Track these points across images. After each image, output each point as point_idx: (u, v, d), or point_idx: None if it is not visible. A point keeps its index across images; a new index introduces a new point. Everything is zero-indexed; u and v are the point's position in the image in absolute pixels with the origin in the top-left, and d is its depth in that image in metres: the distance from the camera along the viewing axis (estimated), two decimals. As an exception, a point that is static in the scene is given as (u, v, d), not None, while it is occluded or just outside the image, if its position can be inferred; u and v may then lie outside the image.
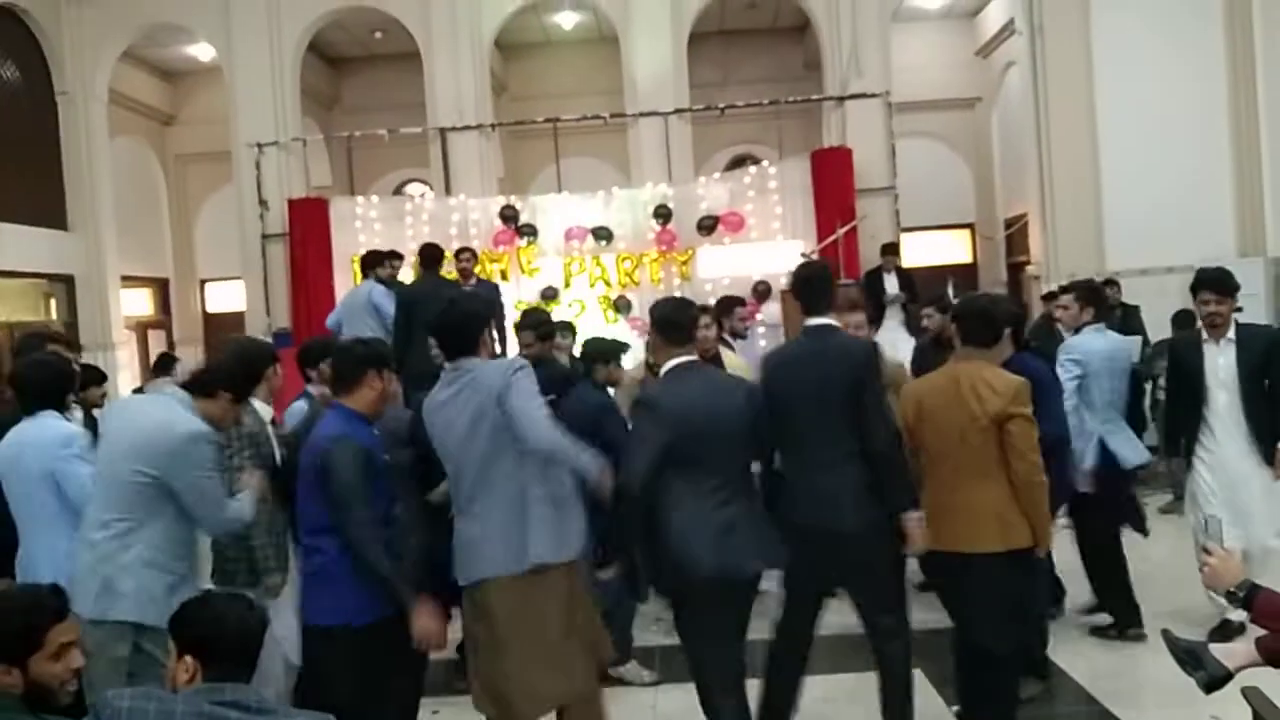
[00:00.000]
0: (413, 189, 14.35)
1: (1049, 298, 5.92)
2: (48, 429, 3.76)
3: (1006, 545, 3.66)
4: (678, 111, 11.01)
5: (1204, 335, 5.17)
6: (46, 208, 11.28)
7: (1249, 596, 2.63)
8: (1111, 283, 9.48)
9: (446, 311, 3.55)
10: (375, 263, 8.64)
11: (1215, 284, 5.02)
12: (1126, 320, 9.30)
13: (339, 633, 3.33)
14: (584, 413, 4.47)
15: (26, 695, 2.30)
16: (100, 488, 3.48)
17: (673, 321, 3.77)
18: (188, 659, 2.31)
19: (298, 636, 3.59)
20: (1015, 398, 3.66)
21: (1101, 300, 5.74)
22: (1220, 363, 5.06)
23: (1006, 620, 3.71)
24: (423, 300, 7.29)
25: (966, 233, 14.58)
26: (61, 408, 3.91)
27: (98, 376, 5.99)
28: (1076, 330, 5.48)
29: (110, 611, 3.32)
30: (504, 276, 10.21)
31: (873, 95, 10.52)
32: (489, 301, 3.60)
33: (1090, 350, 5.27)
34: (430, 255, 8.35)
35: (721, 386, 3.75)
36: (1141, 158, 10.12)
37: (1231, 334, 5.05)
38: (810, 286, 3.97)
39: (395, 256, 8.85)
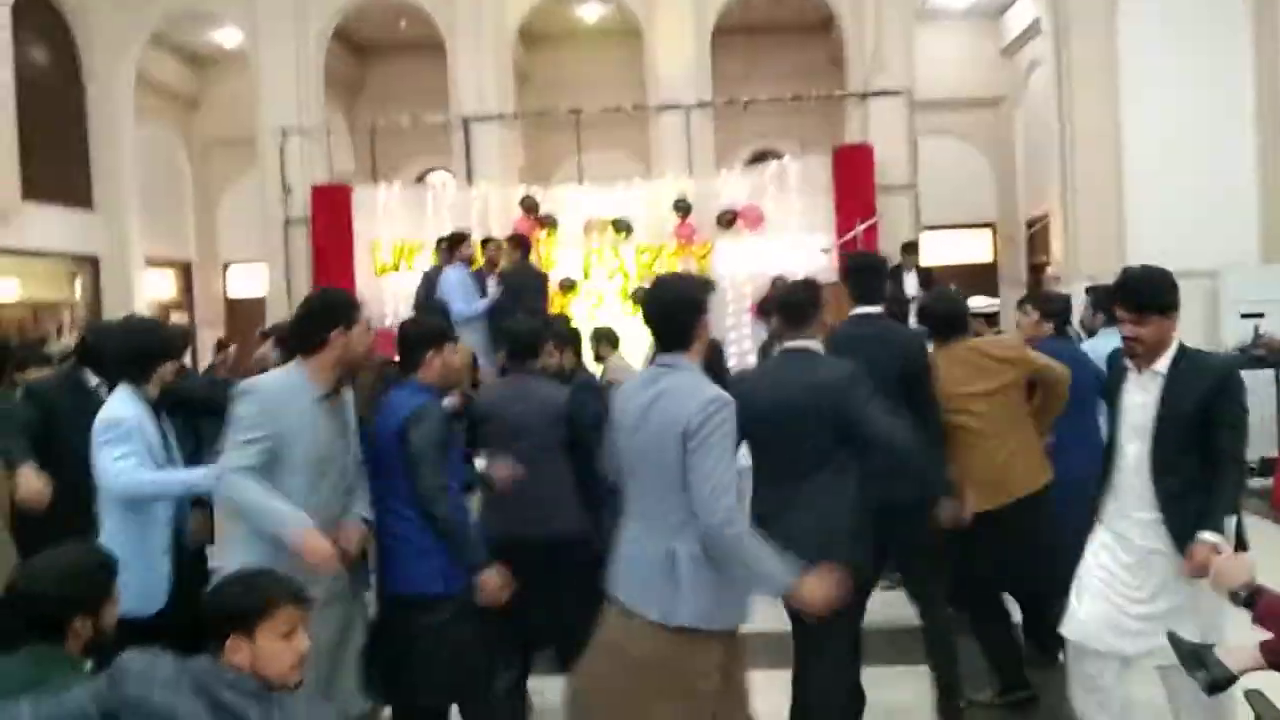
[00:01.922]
0: (435, 177, 14.42)
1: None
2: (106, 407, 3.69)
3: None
4: (700, 105, 11.02)
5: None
6: (73, 189, 11.42)
7: (1251, 598, 2.63)
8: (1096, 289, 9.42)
9: (654, 295, 3.06)
10: (459, 243, 8.71)
11: (1131, 295, 3.41)
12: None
13: (435, 601, 3.35)
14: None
15: (89, 644, 2.50)
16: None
17: (793, 302, 3.73)
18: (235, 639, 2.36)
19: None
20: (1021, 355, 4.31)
21: (1058, 314, 5.26)
22: (1137, 401, 3.46)
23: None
24: (525, 284, 8.36)
25: (988, 232, 14.54)
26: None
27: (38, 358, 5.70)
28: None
29: None
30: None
31: (895, 93, 10.50)
32: (705, 284, 3.11)
33: None
34: (524, 244, 8.85)
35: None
36: (1165, 160, 10.07)
37: (1164, 365, 3.40)
38: (864, 275, 4.23)
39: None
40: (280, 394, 3.18)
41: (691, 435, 2.71)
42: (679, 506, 2.76)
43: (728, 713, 2.88)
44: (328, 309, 3.30)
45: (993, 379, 4.23)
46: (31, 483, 3.88)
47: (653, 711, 2.78)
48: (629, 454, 2.93)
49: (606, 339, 6.14)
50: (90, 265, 11.73)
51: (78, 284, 11.84)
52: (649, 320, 2.99)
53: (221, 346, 8.79)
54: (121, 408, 3.58)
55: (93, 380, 4.25)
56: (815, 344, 3.65)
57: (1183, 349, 3.42)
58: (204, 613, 2.41)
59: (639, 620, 2.82)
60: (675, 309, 2.94)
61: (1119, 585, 3.42)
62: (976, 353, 4.30)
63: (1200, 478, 3.31)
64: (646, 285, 3.57)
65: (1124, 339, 3.42)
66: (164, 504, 3.62)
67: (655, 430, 2.81)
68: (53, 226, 10.93)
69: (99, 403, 3.75)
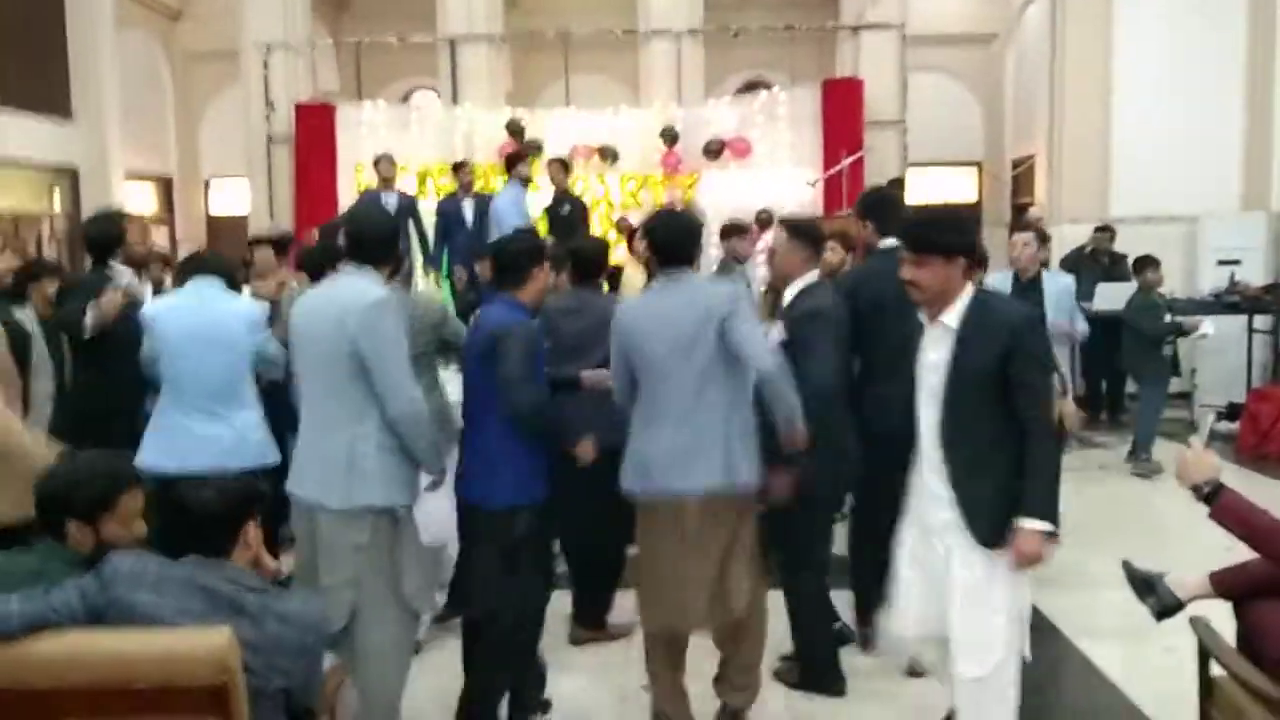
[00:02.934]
0: (419, 97, 14.25)
1: None
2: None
3: None
4: (690, 31, 10.91)
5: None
6: (51, 97, 11.22)
7: (1214, 494, 2.71)
8: (1106, 229, 9.52)
9: (668, 222, 3.56)
10: (518, 160, 8.66)
11: (908, 233, 3.17)
12: (1113, 268, 9.39)
13: (522, 511, 3.44)
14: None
15: (93, 554, 2.48)
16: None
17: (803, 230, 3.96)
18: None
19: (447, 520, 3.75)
20: None
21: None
22: (930, 360, 3.10)
23: None
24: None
25: (974, 170, 14.53)
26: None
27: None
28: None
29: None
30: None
31: (888, 26, 10.41)
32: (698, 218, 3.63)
33: None
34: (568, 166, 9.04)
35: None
36: (1153, 105, 10.07)
37: (954, 318, 3.03)
38: (885, 209, 4.30)
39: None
40: None
41: (729, 317, 3.28)
42: (725, 390, 3.33)
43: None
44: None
45: None
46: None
47: (729, 541, 3.40)
48: (669, 358, 3.34)
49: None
50: (69, 177, 11.57)
51: (56, 195, 11.70)
52: (660, 240, 3.49)
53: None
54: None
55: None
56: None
57: (978, 299, 3.03)
58: (40, 502, 2.49)
59: (690, 497, 3.32)
60: (685, 234, 3.48)
61: (924, 569, 3.17)
62: None
63: (997, 449, 2.98)
64: (656, 215, 3.76)
65: (905, 282, 3.09)
66: None
67: (693, 327, 3.30)
68: (30, 136, 10.77)
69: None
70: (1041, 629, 4.67)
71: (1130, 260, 8.66)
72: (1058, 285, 5.87)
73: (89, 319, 4.21)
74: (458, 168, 9.11)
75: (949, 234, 3.04)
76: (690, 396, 3.32)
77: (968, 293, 3.05)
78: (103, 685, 2.23)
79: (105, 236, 4.44)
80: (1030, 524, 2.93)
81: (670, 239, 3.48)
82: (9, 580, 2.36)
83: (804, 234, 3.94)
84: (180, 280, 4.25)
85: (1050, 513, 2.96)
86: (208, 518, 2.46)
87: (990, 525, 2.99)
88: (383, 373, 3.14)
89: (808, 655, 4.03)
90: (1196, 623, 2.91)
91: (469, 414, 3.56)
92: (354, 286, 3.23)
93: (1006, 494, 2.97)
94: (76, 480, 2.50)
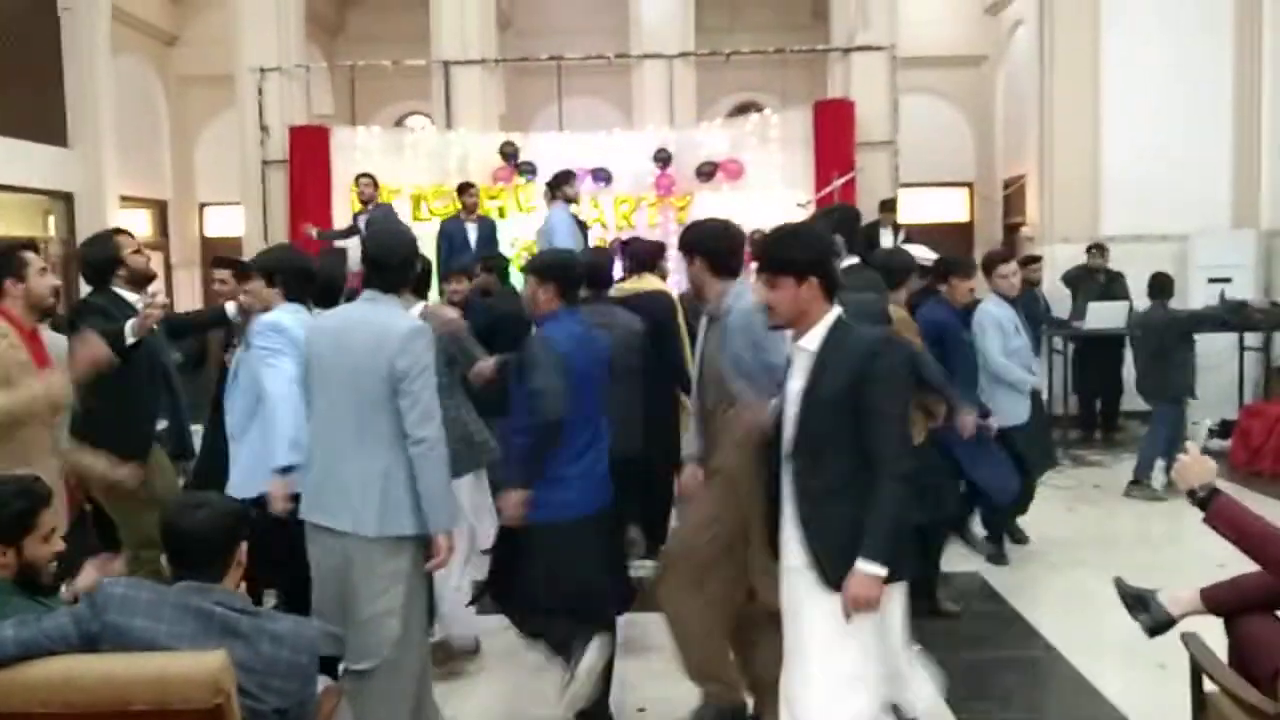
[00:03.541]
0: (414, 121, 14.32)
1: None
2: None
3: None
4: (682, 55, 10.99)
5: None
6: (47, 123, 11.25)
7: (1208, 498, 2.74)
8: (1099, 247, 9.60)
9: (714, 231, 3.67)
10: (564, 181, 8.71)
11: (762, 252, 3.04)
12: (1111, 286, 9.45)
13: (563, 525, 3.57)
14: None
15: (17, 578, 2.48)
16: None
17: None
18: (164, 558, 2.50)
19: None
20: None
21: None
22: (794, 387, 2.94)
23: None
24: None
25: (965, 191, 14.60)
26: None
27: None
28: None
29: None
30: (501, 214, 10.26)
31: (878, 48, 10.49)
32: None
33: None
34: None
35: None
36: (1143, 124, 10.14)
37: (814, 342, 2.88)
38: (847, 225, 4.68)
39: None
40: None
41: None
42: None
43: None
44: None
45: None
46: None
47: None
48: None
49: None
50: (65, 202, 11.59)
51: (51, 221, 11.72)
52: (707, 252, 3.56)
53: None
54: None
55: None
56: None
57: (840, 322, 2.88)
58: None
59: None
60: (735, 244, 3.61)
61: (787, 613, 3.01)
62: None
63: (851, 485, 2.78)
64: (704, 224, 3.80)
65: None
66: None
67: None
68: (26, 162, 10.80)
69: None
70: (1037, 646, 4.70)
71: (1127, 279, 8.79)
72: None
73: (130, 327, 4.21)
74: (462, 189, 9.21)
75: (796, 252, 2.89)
76: None
77: (830, 316, 2.89)
78: (98, 708, 2.24)
79: (102, 258, 4.45)
80: (865, 567, 2.72)
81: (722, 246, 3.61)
82: None
83: None
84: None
85: (889, 557, 2.73)
86: (202, 541, 2.46)
87: (838, 567, 2.77)
88: (415, 399, 3.11)
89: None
90: (1189, 638, 2.93)
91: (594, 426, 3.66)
92: (383, 313, 3.24)
93: (858, 534, 2.75)
94: None
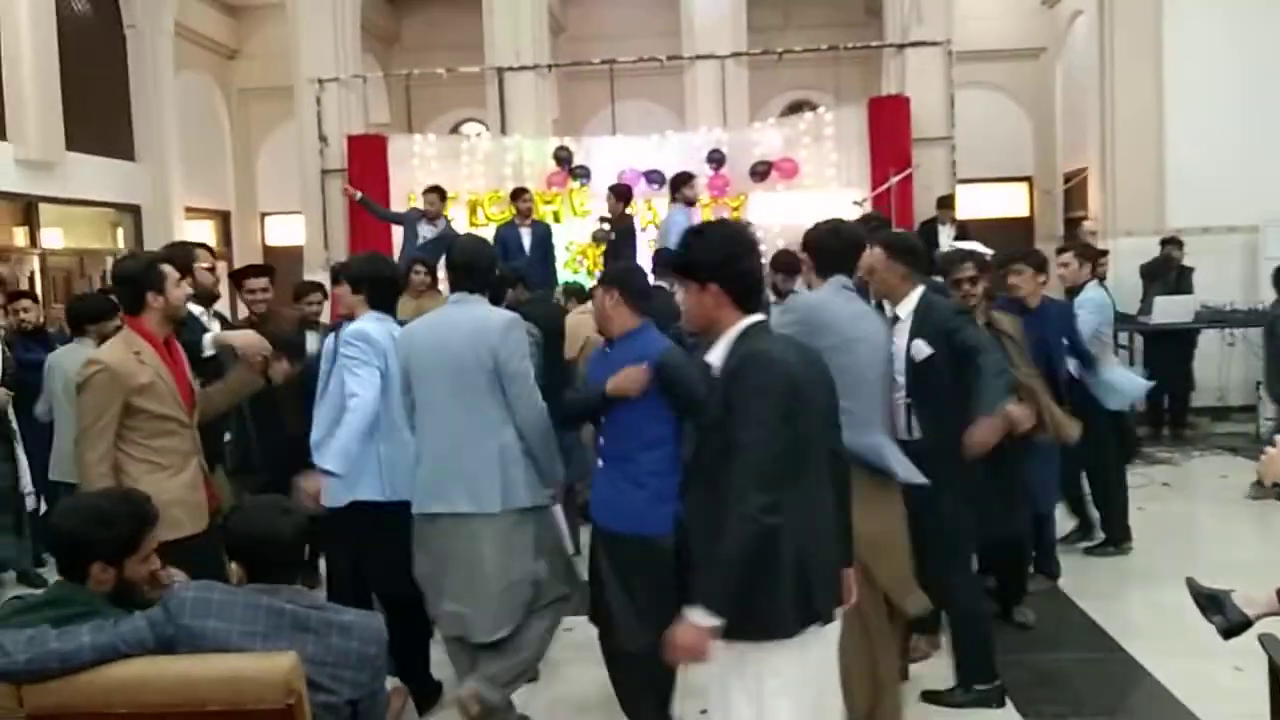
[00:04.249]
0: (468, 128, 14.46)
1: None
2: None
3: None
4: (735, 55, 10.95)
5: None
6: (115, 139, 11.59)
7: None
8: (1174, 240, 9.38)
9: (835, 230, 3.71)
10: (683, 183, 8.75)
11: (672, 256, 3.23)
12: (1180, 280, 9.25)
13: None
14: None
15: (112, 592, 2.53)
16: None
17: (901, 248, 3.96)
18: (234, 565, 2.55)
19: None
20: None
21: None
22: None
23: None
24: (627, 231, 8.97)
25: (1024, 186, 14.38)
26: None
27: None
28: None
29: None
30: (556, 218, 10.30)
31: (934, 43, 10.36)
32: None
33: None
34: (626, 194, 9.24)
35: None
36: (1208, 113, 9.91)
37: (717, 356, 2.60)
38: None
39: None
40: None
41: None
42: None
43: None
44: None
45: None
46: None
47: None
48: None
49: (574, 294, 6.90)
50: (132, 214, 11.92)
51: (120, 233, 12.04)
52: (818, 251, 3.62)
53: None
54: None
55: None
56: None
57: (743, 335, 2.56)
58: (61, 543, 2.52)
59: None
60: (848, 243, 3.62)
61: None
62: None
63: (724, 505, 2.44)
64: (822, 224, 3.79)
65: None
66: None
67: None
68: (96, 176, 11.11)
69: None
70: (1107, 649, 4.61)
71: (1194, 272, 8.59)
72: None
73: (208, 340, 4.32)
74: (516, 195, 9.27)
75: (698, 254, 2.61)
76: None
77: (737, 328, 2.57)
78: (174, 709, 2.29)
79: (181, 265, 4.50)
80: (690, 612, 2.41)
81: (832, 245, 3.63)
82: (26, 621, 2.38)
83: (903, 251, 3.91)
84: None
85: (721, 605, 2.39)
86: (291, 546, 2.53)
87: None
88: (519, 384, 3.48)
89: None
90: (1268, 640, 2.85)
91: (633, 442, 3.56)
92: (476, 310, 3.59)
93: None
94: (103, 522, 2.50)
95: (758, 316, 2.59)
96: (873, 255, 3.87)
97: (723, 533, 2.39)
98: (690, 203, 8.76)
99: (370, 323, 3.81)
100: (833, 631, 2.62)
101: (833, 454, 2.67)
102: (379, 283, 3.95)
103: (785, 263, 5.79)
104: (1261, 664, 2.84)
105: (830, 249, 3.65)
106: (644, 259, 8.28)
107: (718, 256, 2.57)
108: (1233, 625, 3.12)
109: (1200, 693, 4.05)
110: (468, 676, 3.56)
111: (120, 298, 3.70)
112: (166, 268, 3.61)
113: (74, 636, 2.30)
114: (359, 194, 9.94)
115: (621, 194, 9.17)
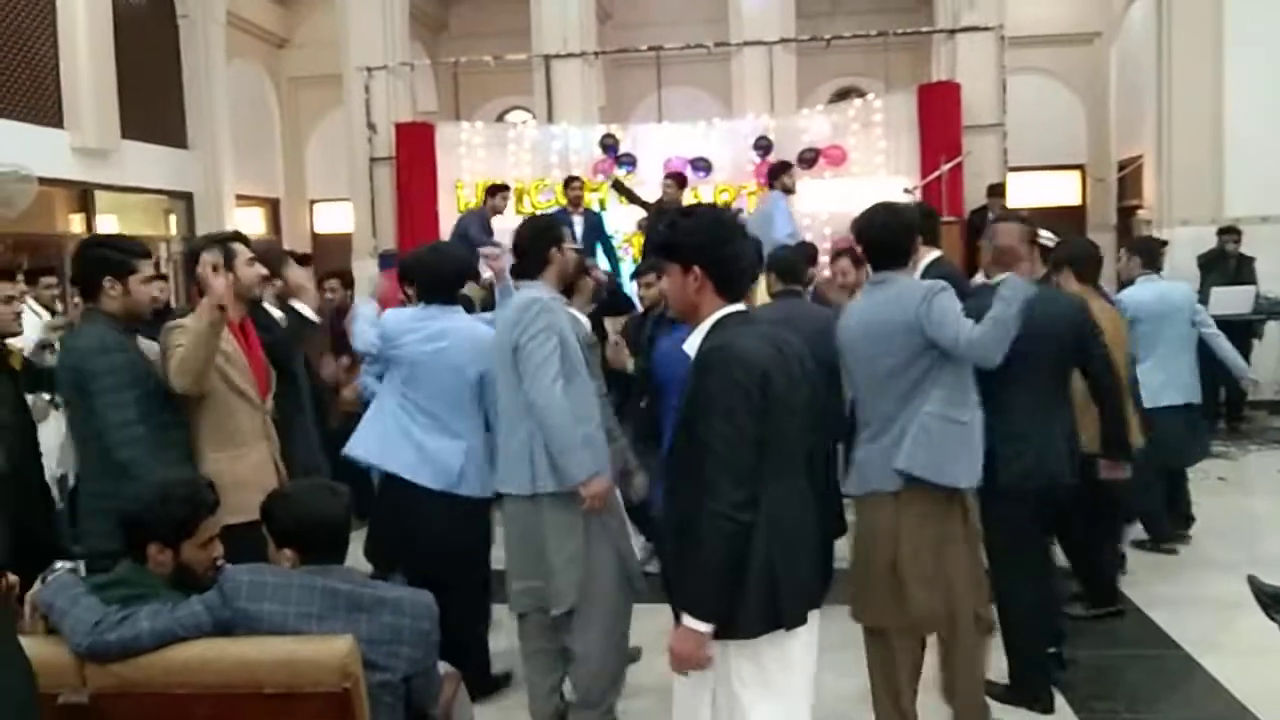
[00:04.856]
0: (515, 116, 14.49)
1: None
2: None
3: None
4: (782, 41, 10.87)
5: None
6: (168, 127, 11.75)
7: None
8: (1232, 230, 9.19)
9: (879, 221, 3.42)
10: (782, 171, 8.73)
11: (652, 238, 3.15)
12: (1240, 271, 9.05)
13: None
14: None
15: (173, 576, 2.58)
16: None
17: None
18: (286, 550, 2.55)
19: None
20: None
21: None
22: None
23: None
24: None
25: (1076, 174, 14.13)
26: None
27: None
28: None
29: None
30: (602, 205, 10.31)
31: (985, 29, 10.19)
32: (927, 213, 3.85)
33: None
34: (683, 181, 9.18)
35: None
36: (1269, 101, 9.69)
37: (693, 345, 2.58)
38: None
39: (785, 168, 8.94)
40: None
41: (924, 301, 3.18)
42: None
43: None
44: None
45: None
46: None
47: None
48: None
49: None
50: (185, 202, 12.08)
51: (172, 220, 12.22)
52: (872, 241, 3.37)
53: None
54: None
55: None
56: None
57: (719, 324, 2.48)
58: (128, 524, 2.58)
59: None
60: (899, 231, 3.35)
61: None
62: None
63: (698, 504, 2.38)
64: (872, 209, 3.51)
65: None
66: None
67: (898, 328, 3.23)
68: (150, 164, 11.27)
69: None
70: (1161, 644, 4.53)
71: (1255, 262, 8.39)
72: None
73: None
74: (568, 183, 9.27)
75: (681, 237, 2.53)
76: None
77: (715, 316, 2.49)
78: (233, 690, 2.33)
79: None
80: (685, 619, 2.39)
81: (883, 238, 3.37)
82: (113, 599, 2.44)
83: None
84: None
85: (711, 608, 2.35)
86: (344, 526, 2.58)
87: (680, 615, 2.44)
88: (525, 365, 3.43)
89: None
90: (1331, 640, 2.79)
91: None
92: (520, 293, 3.63)
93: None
94: (160, 504, 2.56)
95: (738, 306, 2.51)
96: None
97: (694, 530, 2.34)
98: (789, 190, 8.66)
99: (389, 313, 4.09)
100: (800, 639, 2.49)
101: (818, 456, 2.55)
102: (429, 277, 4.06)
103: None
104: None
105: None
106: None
107: (703, 240, 2.49)
108: (1296, 623, 3.06)
109: (1256, 689, 3.96)
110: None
111: (191, 275, 3.60)
112: (238, 246, 3.64)
113: (133, 623, 2.35)
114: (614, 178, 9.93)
115: (681, 181, 9.14)
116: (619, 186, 9.62)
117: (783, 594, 2.40)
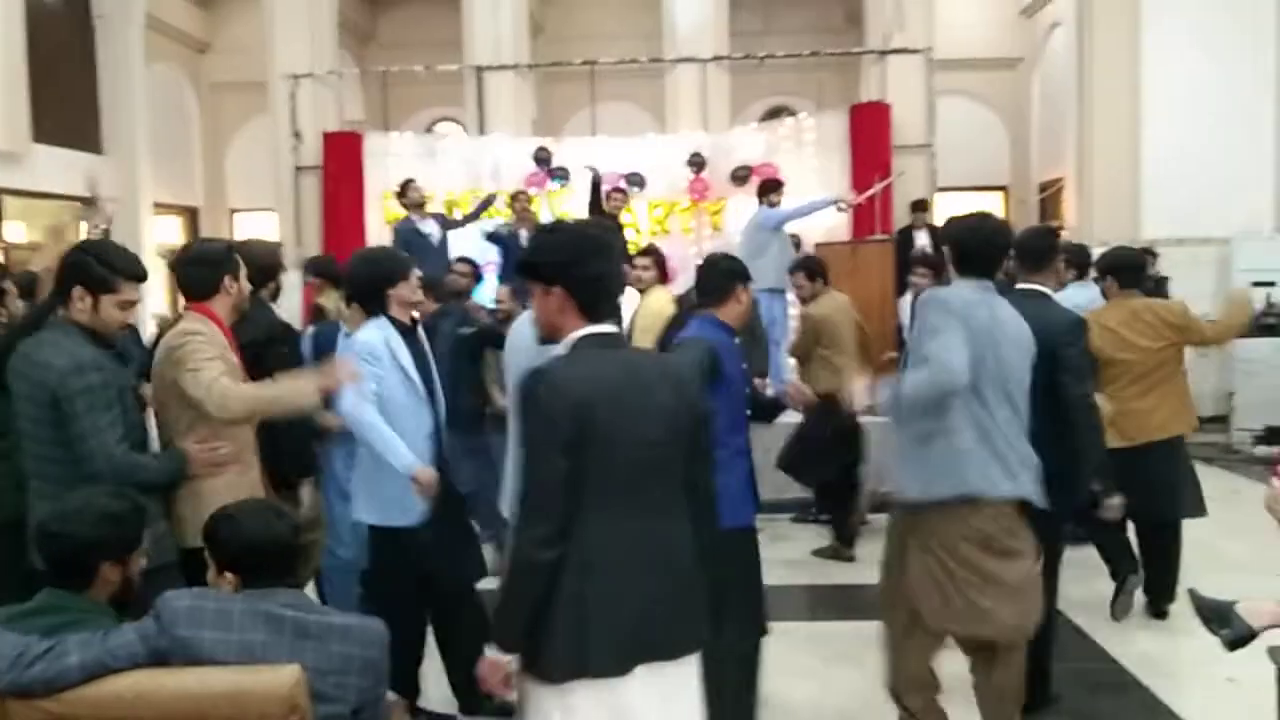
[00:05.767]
0: (444, 127, 14.33)
1: None
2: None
3: None
4: (716, 59, 10.94)
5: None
6: (82, 132, 11.35)
7: None
8: (1150, 252, 9.44)
9: (969, 228, 3.38)
10: (770, 190, 8.56)
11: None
12: (1156, 291, 9.30)
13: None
14: None
15: (114, 595, 2.45)
16: None
17: (1032, 249, 3.91)
18: (228, 574, 2.42)
19: None
20: None
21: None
22: None
23: None
24: None
25: (1000, 195, 14.47)
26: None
27: None
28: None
29: None
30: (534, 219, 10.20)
31: (914, 51, 10.37)
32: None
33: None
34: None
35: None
36: (1184, 126, 10.01)
37: None
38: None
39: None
40: None
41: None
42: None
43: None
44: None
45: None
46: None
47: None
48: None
49: None
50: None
51: (84, 227, 11.78)
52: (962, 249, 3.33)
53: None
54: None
55: None
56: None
57: (577, 344, 2.36)
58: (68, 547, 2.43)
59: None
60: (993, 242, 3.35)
61: None
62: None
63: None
64: (959, 219, 3.45)
65: None
66: None
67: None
68: (62, 169, 10.87)
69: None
70: (1101, 659, 4.58)
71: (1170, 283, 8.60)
72: None
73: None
74: (514, 198, 9.12)
75: (541, 256, 2.41)
76: None
77: (572, 338, 2.37)
78: (171, 724, 2.19)
79: None
80: (488, 649, 2.29)
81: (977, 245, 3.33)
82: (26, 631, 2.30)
83: None
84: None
85: (507, 641, 2.25)
86: (288, 548, 2.46)
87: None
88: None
89: None
90: (1276, 653, 2.83)
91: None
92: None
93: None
94: (114, 522, 2.45)
95: (599, 327, 2.36)
96: None
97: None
98: (774, 206, 8.54)
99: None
100: (635, 693, 2.26)
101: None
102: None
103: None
104: (1257, 674, 2.82)
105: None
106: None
107: (563, 258, 2.35)
108: (1238, 637, 3.08)
109: (1201, 708, 4.01)
110: None
111: (190, 280, 3.33)
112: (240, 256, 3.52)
113: (60, 655, 2.21)
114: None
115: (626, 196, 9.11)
116: None
117: (592, 639, 2.20)
